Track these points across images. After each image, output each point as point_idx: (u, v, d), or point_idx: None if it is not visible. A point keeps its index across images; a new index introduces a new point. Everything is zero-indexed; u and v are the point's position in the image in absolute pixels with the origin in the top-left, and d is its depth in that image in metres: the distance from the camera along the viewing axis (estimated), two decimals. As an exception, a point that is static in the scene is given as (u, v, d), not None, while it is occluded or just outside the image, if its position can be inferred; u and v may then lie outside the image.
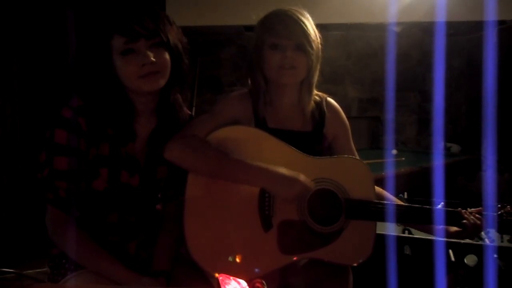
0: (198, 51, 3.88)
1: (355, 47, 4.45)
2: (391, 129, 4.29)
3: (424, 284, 1.68)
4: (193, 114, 1.57)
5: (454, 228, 1.46)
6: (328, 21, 3.49)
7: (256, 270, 1.37)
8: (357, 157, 1.54)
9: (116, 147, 1.34)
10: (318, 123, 1.53)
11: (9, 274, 1.16)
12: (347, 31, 4.27)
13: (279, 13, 1.46)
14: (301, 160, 1.43)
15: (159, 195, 1.49)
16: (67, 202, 1.28)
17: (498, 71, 2.61)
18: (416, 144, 4.58)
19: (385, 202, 1.45)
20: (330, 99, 1.59)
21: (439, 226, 1.47)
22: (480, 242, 1.76)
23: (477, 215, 1.44)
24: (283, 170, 1.37)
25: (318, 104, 1.55)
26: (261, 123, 1.48)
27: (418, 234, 1.83)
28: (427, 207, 1.45)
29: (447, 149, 4.10)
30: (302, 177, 1.37)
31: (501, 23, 3.61)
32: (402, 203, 1.54)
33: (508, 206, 1.45)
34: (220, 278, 1.09)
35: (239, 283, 1.07)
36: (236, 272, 1.25)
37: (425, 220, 1.45)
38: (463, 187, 3.63)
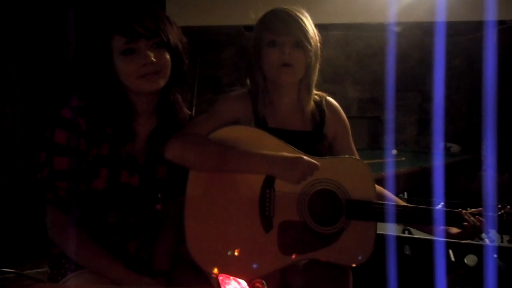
0: (198, 51, 3.88)
1: (355, 47, 4.46)
2: (391, 129, 4.30)
3: (424, 284, 1.68)
4: (193, 114, 1.57)
5: (454, 229, 1.46)
6: (328, 21, 3.49)
7: (257, 270, 1.37)
8: (357, 157, 1.54)
9: (116, 147, 1.34)
10: (318, 123, 1.53)
11: (9, 274, 1.16)
12: (347, 31, 4.27)
13: (278, 11, 1.46)
14: (301, 160, 1.43)
15: (159, 195, 1.49)
16: (67, 202, 1.28)
17: (498, 71, 2.60)
18: (416, 144, 4.58)
19: (386, 202, 1.45)
20: (330, 99, 1.59)
21: (439, 227, 1.47)
22: (480, 242, 1.76)
23: (477, 216, 1.43)
24: (285, 153, 1.38)
25: (318, 104, 1.55)
26: (261, 123, 1.48)
27: (418, 234, 1.83)
28: (427, 207, 1.45)
29: (447, 149, 4.10)
30: (305, 157, 1.37)
31: (501, 23, 3.61)
32: (403, 202, 1.54)
33: (508, 206, 1.45)
34: (220, 278, 1.08)
35: (239, 283, 1.07)
36: (236, 272, 1.25)
37: (425, 221, 1.45)
38: (463, 187, 3.63)
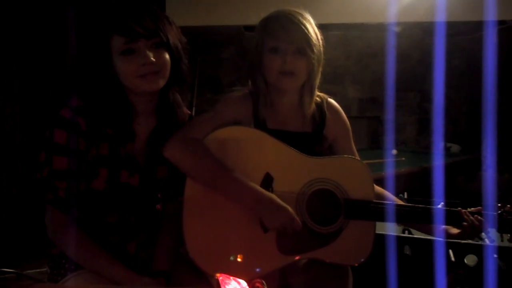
0: (198, 51, 3.88)
1: (355, 47, 4.45)
2: (391, 129, 4.29)
3: (424, 284, 1.68)
4: (193, 114, 1.57)
5: (454, 229, 1.46)
6: (328, 21, 3.48)
7: (256, 270, 1.37)
8: (357, 158, 1.53)
9: (116, 147, 1.34)
10: (318, 124, 1.53)
11: (9, 274, 1.16)
12: (347, 31, 4.26)
13: (280, 16, 1.43)
14: (300, 160, 1.43)
15: (159, 195, 1.49)
16: (66, 202, 1.28)
17: (498, 71, 2.61)
18: (416, 144, 4.57)
19: (384, 202, 1.45)
20: (331, 100, 1.58)
21: (439, 227, 1.46)
22: (480, 242, 1.76)
23: (476, 215, 1.43)
24: (274, 197, 1.36)
25: (319, 105, 1.54)
26: (260, 124, 1.47)
27: (418, 234, 1.83)
28: (427, 206, 1.45)
29: (447, 149, 4.09)
30: (291, 210, 1.36)
31: (501, 23, 3.61)
32: (402, 202, 1.54)
33: (508, 205, 1.45)
34: (220, 278, 1.09)
35: (239, 283, 1.07)
36: (235, 272, 1.25)
37: (425, 220, 1.45)
38: (463, 187, 3.63)
